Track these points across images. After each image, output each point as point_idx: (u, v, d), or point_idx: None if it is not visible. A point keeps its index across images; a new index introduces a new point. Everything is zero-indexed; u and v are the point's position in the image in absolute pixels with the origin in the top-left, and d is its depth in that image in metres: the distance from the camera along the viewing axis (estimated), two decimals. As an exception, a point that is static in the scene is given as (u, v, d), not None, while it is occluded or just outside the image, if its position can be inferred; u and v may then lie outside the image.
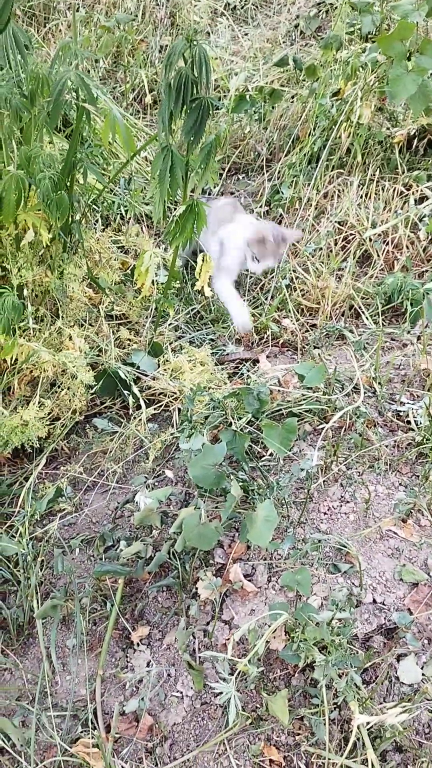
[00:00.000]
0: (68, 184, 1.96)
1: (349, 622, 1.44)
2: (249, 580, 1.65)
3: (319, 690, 1.43)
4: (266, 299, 2.74)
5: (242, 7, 5.05)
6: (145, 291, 2.02)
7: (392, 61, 2.70)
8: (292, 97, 3.58)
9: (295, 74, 3.66)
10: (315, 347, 2.53)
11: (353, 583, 1.65)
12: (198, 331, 2.56)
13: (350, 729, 1.49)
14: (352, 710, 1.36)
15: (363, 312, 2.67)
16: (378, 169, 3.28)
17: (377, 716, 1.37)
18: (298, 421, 2.04)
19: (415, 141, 3.32)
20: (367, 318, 2.66)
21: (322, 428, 2.01)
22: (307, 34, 4.50)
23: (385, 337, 2.59)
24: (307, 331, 2.63)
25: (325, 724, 1.41)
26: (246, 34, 4.77)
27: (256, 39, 4.64)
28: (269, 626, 1.52)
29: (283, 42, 4.58)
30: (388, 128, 3.29)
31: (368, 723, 1.38)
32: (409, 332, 2.55)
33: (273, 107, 3.48)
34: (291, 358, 2.52)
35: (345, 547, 1.66)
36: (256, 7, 5.07)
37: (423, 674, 1.58)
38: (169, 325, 2.56)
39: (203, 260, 1.98)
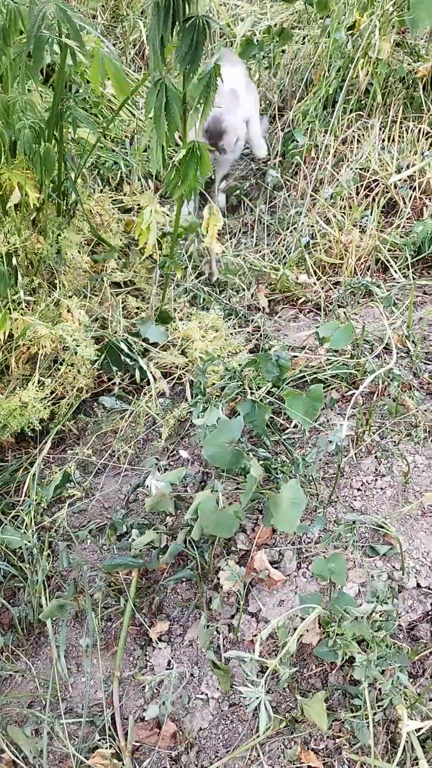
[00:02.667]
0: (57, 137, 1.76)
1: (392, 614, 1.26)
2: (276, 568, 1.48)
3: (360, 691, 1.26)
4: (287, 254, 2.53)
5: None
6: (149, 250, 1.83)
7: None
8: (304, 39, 3.31)
9: (306, 13, 3.37)
10: (340, 306, 2.32)
11: (394, 567, 1.47)
12: (214, 293, 2.36)
13: (397, 731, 1.32)
14: (400, 714, 1.19)
15: (391, 265, 2.44)
16: (401, 110, 3.00)
17: (429, 720, 1.20)
18: (324, 388, 1.85)
19: (440, 76, 3.03)
20: (395, 271, 2.43)
21: (352, 395, 1.81)
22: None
23: (417, 290, 2.36)
24: (330, 289, 2.42)
25: (369, 728, 1.25)
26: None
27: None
28: (301, 619, 1.36)
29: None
30: (409, 63, 3.00)
31: (419, 729, 1.21)
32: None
33: (283, 50, 3.21)
34: (314, 320, 2.32)
35: (383, 526, 1.47)
36: None
37: None
38: (178, 287, 2.36)
39: (210, 213, 1.77)
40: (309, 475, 1.51)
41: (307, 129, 2.95)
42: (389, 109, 2.91)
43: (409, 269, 2.42)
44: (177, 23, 1.34)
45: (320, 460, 1.65)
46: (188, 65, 1.41)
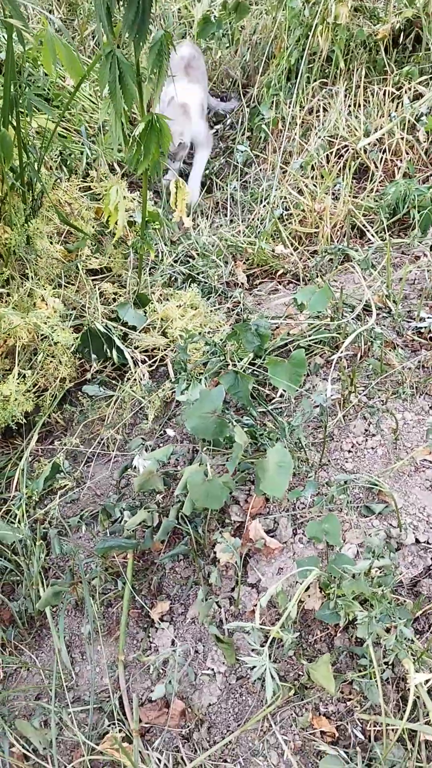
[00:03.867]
0: (14, 124, 1.73)
1: (390, 569, 1.24)
2: (272, 536, 1.46)
3: (365, 649, 1.24)
4: (262, 228, 2.50)
5: None
6: (119, 231, 1.80)
7: None
8: (262, 12, 3.26)
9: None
10: (318, 274, 2.30)
11: (391, 525, 1.45)
12: (192, 271, 2.33)
13: (407, 688, 1.31)
14: (407, 668, 1.17)
15: (367, 229, 2.41)
16: (365, 74, 2.97)
17: (436, 672, 1.18)
18: (307, 353, 1.83)
19: (401, 37, 3.00)
20: (372, 235, 2.41)
21: (335, 358, 1.79)
22: None
23: (395, 251, 2.34)
24: (308, 258, 2.39)
25: (377, 687, 1.23)
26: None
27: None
28: (300, 584, 1.34)
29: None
30: (369, 27, 2.96)
31: (427, 680, 1.19)
32: (420, 242, 2.30)
33: (242, 26, 3.17)
34: (294, 291, 2.29)
35: (376, 485, 1.46)
36: None
37: None
38: (155, 268, 2.34)
39: (177, 187, 1.74)
40: (297, 439, 1.49)
41: (272, 102, 2.92)
42: (353, 75, 2.88)
43: (385, 231, 2.40)
44: (120, -10, 1.31)
45: (309, 425, 1.63)
46: (137, 33, 1.37)
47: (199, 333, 1.94)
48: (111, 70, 1.44)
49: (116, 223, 1.77)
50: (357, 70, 2.93)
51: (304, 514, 1.47)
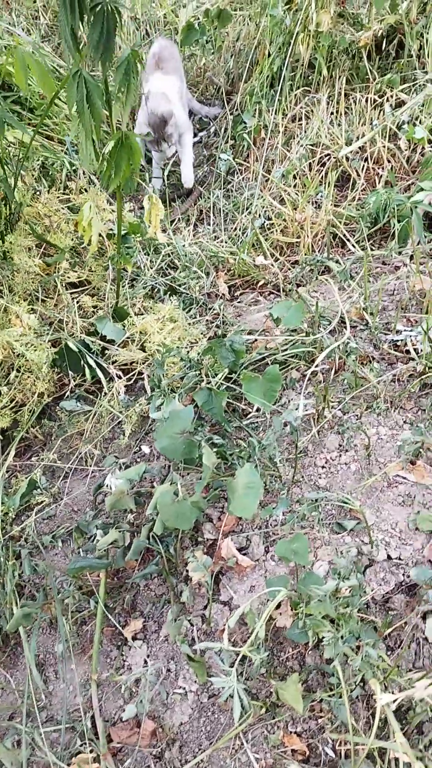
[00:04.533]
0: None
1: (357, 589, 1.24)
2: (244, 554, 1.46)
3: (335, 669, 1.24)
4: (244, 238, 2.50)
5: None
6: (93, 247, 1.80)
7: None
8: (246, 19, 3.27)
9: (244, -9, 3.34)
10: (299, 285, 2.30)
11: (362, 541, 1.45)
12: (174, 282, 2.33)
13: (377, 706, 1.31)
14: (373, 689, 1.18)
15: (348, 239, 2.42)
16: (347, 81, 2.97)
17: (404, 692, 1.18)
18: (284, 368, 1.83)
19: (384, 44, 3.00)
20: (353, 245, 2.41)
21: (309, 373, 1.79)
22: None
23: (375, 261, 2.34)
24: (289, 269, 2.39)
25: (346, 706, 1.23)
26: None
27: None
28: (271, 603, 1.34)
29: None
30: (352, 34, 2.96)
31: (395, 700, 1.19)
32: (399, 253, 2.30)
33: (225, 33, 3.17)
34: (274, 302, 2.29)
35: (347, 502, 1.46)
36: None
37: (455, 630, 1.39)
38: (137, 279, 2.34)
39: (151, 203, 1.74)
40: (269, 457, 1.49)
41: (255, 109, 2.92)
42: (336, 82, 2.88)
43: (365, 240, 2.40)
44: (84, 12, 1.30)
45: (284, 440, 1.63)
46: (102, 53, 1.37)
47: (177, 347, 1.94)
48: (78, 89, 1.44)
49: (90, 238, 1.77)
50: (340, 77, 2.93)
51: (276, 531, 1.47)
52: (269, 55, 2.91)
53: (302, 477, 1.57)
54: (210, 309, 2.25)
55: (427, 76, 2.71)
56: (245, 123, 2.87)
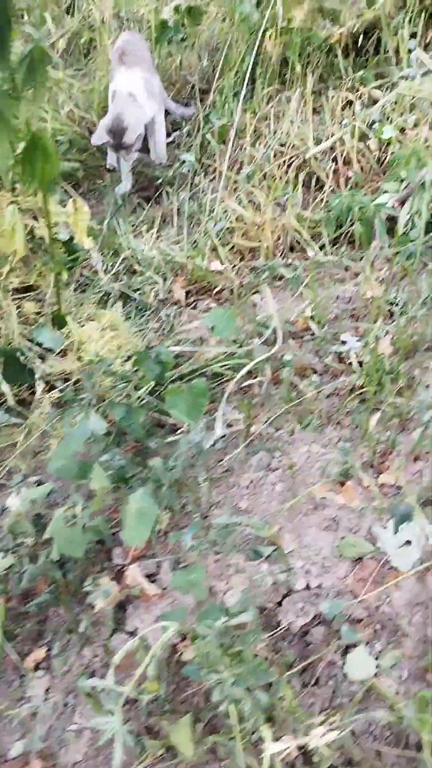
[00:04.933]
0: None
1: (251, 627, 1.15)
2: (153, 581, 1.37)
3: (229, 710, 1.15)
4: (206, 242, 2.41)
5: None
6: (19, 253, 1.72)
7: None
8: (219, 16, 3.18)
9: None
10: (254, 291, 2.20)
11: (281, 568, 1.35)
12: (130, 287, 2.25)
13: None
14: (263, 737, 1.08)
15: (309, 243, 2.31)
16: (322, 79, 2.88)
17: (297, 739, 1.09)
18: (220, 380, 1.74)
19: (361, 40, 2.90)
20: (314, 249, 2.30)
21: (250, 385, 1.70)
22: None
23: (336, 267, 2.23)
24: (246, 275, 2.30)
25: (238, 752, 1.13)
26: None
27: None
28: (182, 636, 1.26)
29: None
30: (328, 29, 2.86)
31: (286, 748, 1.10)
32: (361, 258, 2.19)
33: (199, 29, 3.08)
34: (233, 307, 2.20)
35: (261, 527, 1.35)
36: None
37: (378, 666, 1.29)
38: (90, 284, 2.27)
39: (75, 208, 1.66)
40: (175, 480, 1.39)
41: (225, 109, 2.83)
42: (308, 79, 2.78)
43: (327, 245, 2.29)
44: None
45: (211, 458, 1.53)
46: None
47: (115, 357, 1.86)
48: (-21, 88, 1.36)
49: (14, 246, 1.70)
50: (313, 74, 2.83)
51: (186, 557, 1.38)
52: (239, 52, 2.82)
53: (225, 497, 1.48)
54: (164, 315, 2.17)
55: (401, 74, 2.60)
56: (212, 122, 2.78)
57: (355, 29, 2.83)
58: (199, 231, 2.54)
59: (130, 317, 2.20)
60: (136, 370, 1.73)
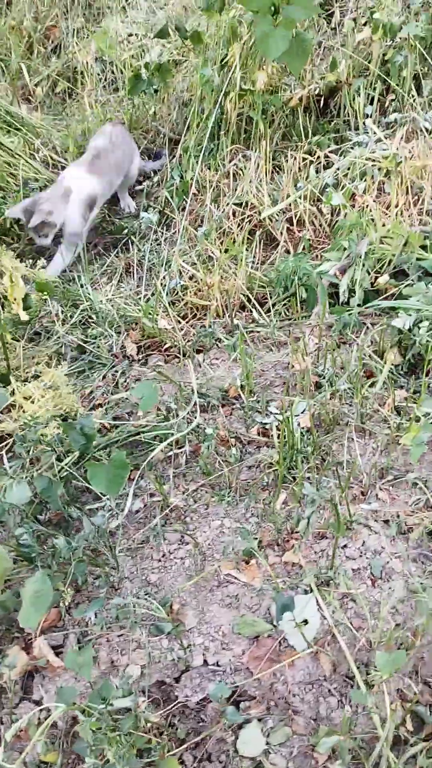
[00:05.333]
0: None
1: (131, 710, 1.21)
2: (59, 653, 1.44)
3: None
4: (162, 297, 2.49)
5: (162, -26, 4.71)
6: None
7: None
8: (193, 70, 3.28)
9: (185, 46, 3.34)
10: (198, 351, 2.29)
11: (181, 644, 1.42)
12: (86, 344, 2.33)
13: None
14: None
15: (254, 306, 2.39)
16: (284, 137, 2.98)
17: None
18: (146, 449, 1.81)
19: (322, 102, 3.00)
20: (260, 313, 2.38)
21: (176, 453, 1.78)
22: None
23: (280, 331, 2.31)
24: (194, 333, 2.37)
25: None
26: (166, 4, 4.45)
27: (172, 8, 4.32)
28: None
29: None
30: (290, 92, 2.96)
31: None
32: (305, 320, 2.27)
33: (165, 83, 3.18)
34: (176, 367, 2.28)
35: (158, 610, 1.42)
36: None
37: (267, 743, 1.36)
38: (47, 336, 2.35)
39: (11, 281, 1.75)
40: (78, 558, 1.45)
41: (189, 164, 2.92)
42: (270, 139, 2.87)
43: (271, 308, 2.38)
44: None
45: (130, 527, 1.60)
46: None
47: (53, 417, 1.93)
48: None
49: None
50: (275, 134, 2.93)
51: (92, 631, 1.45)
52: (203, 111, 2.91)
53: (137, 570, 1.55)
54: (112, 371, 2.25)
55: (355, 139, 2.70)
56: (173, 179, 2.87)
57: (317, 91, 2.93)
58: (157, 284, 2.63)
59: (83, 370, 2.28)
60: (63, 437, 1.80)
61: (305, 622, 1.44)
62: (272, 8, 2.38)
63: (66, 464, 1.69)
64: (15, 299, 1.76)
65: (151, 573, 1.54)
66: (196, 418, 1.75)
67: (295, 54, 2.39)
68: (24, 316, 1.87)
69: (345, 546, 1.55)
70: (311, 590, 1.47)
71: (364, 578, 1.51)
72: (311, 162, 2.75)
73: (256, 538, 1.55)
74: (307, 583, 1.48)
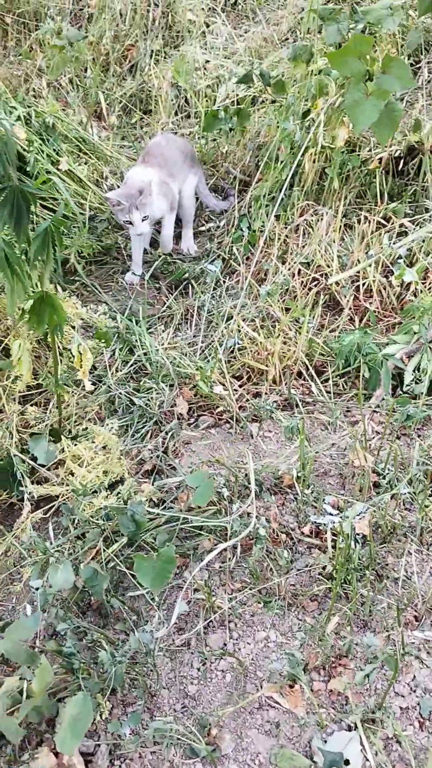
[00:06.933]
0: None
1: None
2: (89, 761, 1.38)
3: None
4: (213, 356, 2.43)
5: (244, 1, 4.65)
6: (25, 380, 1.77)
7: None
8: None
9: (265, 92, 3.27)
10: (254, 420, 2.22)
11: (214, 770, 1.36)
12: (135, 395, 2.28)
13: None
14: None
15: (314, 379, 2.32)
16: (358, 197, 2.89)
17: None
18: (194, 538, 1.75)
19: (402, 163, 2.90)
20: (320, 389, 2.30)
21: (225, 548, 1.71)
22: (312, 30, 3.93)
23: (340, 408, 2.23)
24: (247, 400, 2.31)
25: None
26: (246, 32, 4.39)
27: (252, 38, 4.25)
28: None
29: (285, 40, 4.16)
30: (369, 149, 2.87)
31: None
32: (369, 406, 2.19)
33: (243, 128, 3.11)
34: (228, 433, 2.22)
35: (195, 739, 1.36)
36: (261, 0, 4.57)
37: None
38: (98, 384, 2.30)
39: (80, 352, 1.70)
40: (116, 675, 1.39)
41: (258, 215, 2.85)
42: (344, 197, 2.79)
43: (331, 388, 2.30)
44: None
45: (171, 633, 1.55)
46: (15, 227, 1.34)
47: (101, 485, 1.89)
48: (-4, 253, 1.41)
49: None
50: (350, 193, 2.84)
51: (126, 746, 1.39)
52: (279, 161, 2.84)
53: (175, 678, 1.49)
54: (161, 431, 2.20)
55: (434, 211, 2.60)
56: (241, 230, 2.81)
57: (397, 153, 2.84)
58: (215, 336, 2.56)
59: (130, 425, 2.23)
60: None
61: (347, 762, 1.37)
62: (367, 75, 2.31)
63: (113, 551, 1.64)
64: (82, 369, 1.71)
65: (191, 684, 1.48)
66: (253, 516, 1.68)
67: (384, 124, 2.32)
68: (89, 387, 1.82)
69: (396, 680, 1.47)
70: (355, 727, 1.40)
71: (412, 719, 1.44)
72: (385, 230, 2.66)
73: (303, 660, 1.48)
74: (352, 720, 1.40)
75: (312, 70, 2.78)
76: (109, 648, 1.39)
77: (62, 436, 1.99)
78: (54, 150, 3.05)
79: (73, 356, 1.85)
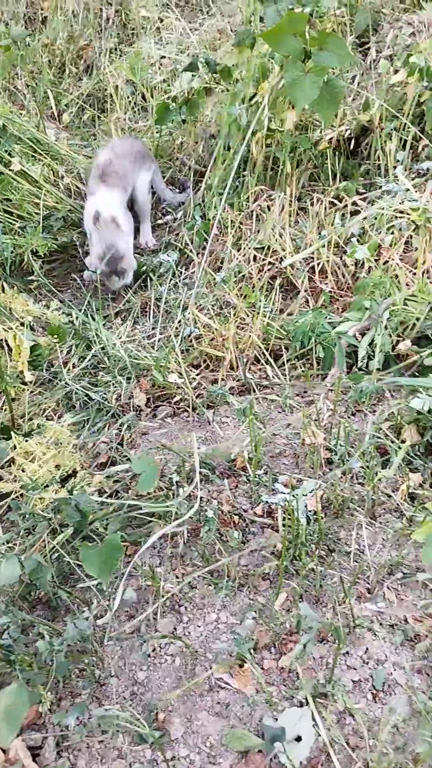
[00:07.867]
0: None
1: None
2: (37, 755, 1.36)
3: None
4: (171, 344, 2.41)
5: (198, -5, 4.64)
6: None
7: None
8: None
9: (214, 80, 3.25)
10: (209, 407, 2.20)
11: (164, 757, 1.34)
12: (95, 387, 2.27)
13: None
14: None
15: (269, 362, 2.30)
16: (311, 179, 2.88)
17: None
18: (146, 525, 1.73)
19: (354, 143, 2.89)
20: (275, 372, 2.29)
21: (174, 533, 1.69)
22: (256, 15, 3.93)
23: (294, 390, 2.22)
24: (204, 388, 2.29)
25: None
26: (201, 25, 4.38)
27: (206, 31, 4.24)
28: None
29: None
30: (320, 131, 2.86)
31: None
32: (325, 385, 2.17)
33: (194, 117, 3.10)
34: (185, 421, 2.20)
35: (141, 725, 1.33)
36: (214, -8, 4.55)
37: None
38: (53, 381, 2.29)
39: (14, 340, 1.68)
40: (58, 662, 1.37)
41: (212, 201, 2.84)
42: (295, 181, 2.78)
43: (285, 367, 2.28)
44: None
45: (120, 613, 1.53)
46: None
47: (52, 479, 1.86)
48: None
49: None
50: (302, 176, 2.83)
51: (72, 737, 1.37)
52: (228, 148, 2.83)
53: (124, 665, 1.47)
54: (119, 423, 2.18)
55: (384, 187, 2.59)
56: (195, 219, 2.79)
57: (348, 134, 2.83)
58: (173, 327, 2.55)
59: (87, 419, 2.21)
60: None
61: (299, 738, 1.35)
62: (304, 53, 2.29)
63: (59, 542, 1.62)
64: (20, 361, 1.69)
65: (140, 670, 1.46)
66: (198, 498, 1.66)
67: (326, 101, 2.31)
68: (29, 378, 1.80)
69: (347, 653, 1.45)
70: (307, 703, 1.38)
71: (365, 691, 1.42)
72: (337, 209, 2.65)
73: (253, 639, 1.46)
74: (303, 696, 1.38)
75: (255, 54, 2.76)
76: (48, 638, 1.36)
77: (13, 433, 1.97)
78: (6, 151, 3.04)
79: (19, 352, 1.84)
